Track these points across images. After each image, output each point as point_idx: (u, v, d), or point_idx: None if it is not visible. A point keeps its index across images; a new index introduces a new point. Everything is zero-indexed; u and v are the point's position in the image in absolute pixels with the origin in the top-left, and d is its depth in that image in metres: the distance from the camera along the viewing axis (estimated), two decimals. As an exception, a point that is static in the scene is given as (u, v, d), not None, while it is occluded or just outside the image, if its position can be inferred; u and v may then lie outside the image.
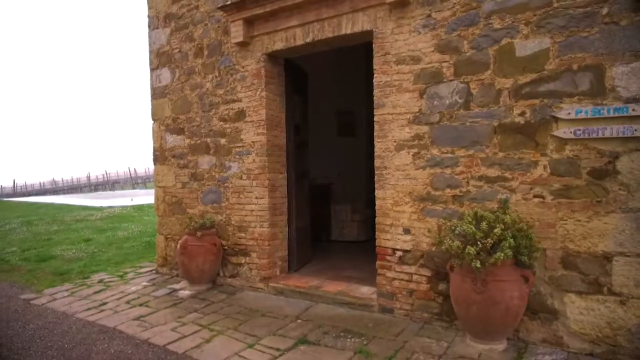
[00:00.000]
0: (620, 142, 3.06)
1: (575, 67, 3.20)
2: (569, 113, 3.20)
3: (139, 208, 14.97)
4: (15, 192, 41.45)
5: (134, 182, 47.16)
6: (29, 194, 37.41)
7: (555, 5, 3.26)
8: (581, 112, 3.16)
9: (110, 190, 41.13)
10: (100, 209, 15.06)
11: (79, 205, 17.28)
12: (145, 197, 19.27)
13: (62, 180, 50.22)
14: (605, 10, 3.10)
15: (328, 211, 7.58)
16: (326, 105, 8.14)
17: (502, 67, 3.48)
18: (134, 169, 50.96)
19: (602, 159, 3.12)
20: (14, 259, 7.45)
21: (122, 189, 41.32)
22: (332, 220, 7.60)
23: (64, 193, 39.58)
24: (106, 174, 50.28)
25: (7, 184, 47.65)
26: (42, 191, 42.27)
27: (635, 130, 2.99)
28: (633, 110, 2.99)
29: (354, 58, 7.57)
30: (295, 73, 5.39)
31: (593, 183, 3.15)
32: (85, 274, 6.30)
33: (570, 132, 3.21)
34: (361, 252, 6.45)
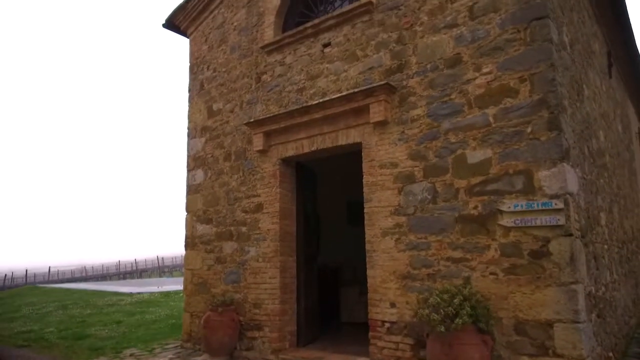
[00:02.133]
0: (549, 229, 3.89)
1: (511, 171, 4.15)
2: (509, 207, 4.09)
3: (166, 294, 15.75)
4: (49, 279, 43.01)
5: (161, 270, 48.31)
6: (61, 282, 38.80)
7: (494, 125, 4.32)
8: (518, 206, 4.05)
9: (138, 278, 42.31)
10: (130, 295, 15.91)
11: (110, 291, 18.19)
12: (172, 285, 20.01)
13: (93, 269, 51.75)
14: (529, 129, 4.12)
15: (337, 293, 8.24)
16: (339, 198, 9.20)
17: (458, 171, 4.47)
18: (162, 258, 52.35)
19: (537, 242, 3.93)
20: (53, 338, 8.26)
21: (150, 277, 42.45)
22: (341, 302, 8.21)
23: (94, 281, 40.86)
24: (135, 262, 51.73)
25: (39, 268, 49.55)
26: (73, 279, 43.63)
27: (559, 219, 3.84)
28: (555, 204, 3.87)
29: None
30: (304, 173, 6.52)
31: (533, 262, 3.93)
32: (117, 349, 7.03)
33: (512, 222, 4.07)
34: (367, 331, 6.99)
